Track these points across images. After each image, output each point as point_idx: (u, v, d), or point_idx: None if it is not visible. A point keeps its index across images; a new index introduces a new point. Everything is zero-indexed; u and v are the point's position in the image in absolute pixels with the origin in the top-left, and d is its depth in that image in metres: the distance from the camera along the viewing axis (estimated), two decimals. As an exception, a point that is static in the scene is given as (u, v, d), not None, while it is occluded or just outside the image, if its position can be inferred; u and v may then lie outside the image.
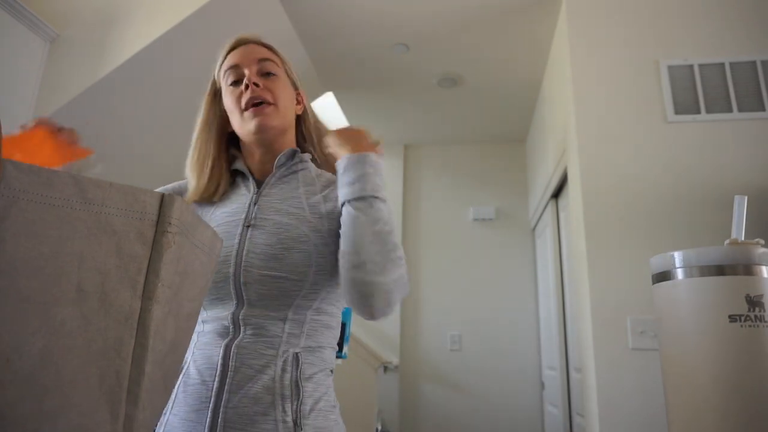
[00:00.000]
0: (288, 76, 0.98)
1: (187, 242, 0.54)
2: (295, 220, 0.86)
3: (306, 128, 1.02)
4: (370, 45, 2.85)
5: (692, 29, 2.18)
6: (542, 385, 3.46)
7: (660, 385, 0.79)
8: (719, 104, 2.06)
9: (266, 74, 0.93)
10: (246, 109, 0.90)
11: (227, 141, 0.99)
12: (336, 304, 0.88)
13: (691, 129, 2.06)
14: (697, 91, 2.09)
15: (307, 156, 0.98)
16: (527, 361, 3.58)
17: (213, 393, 0.77)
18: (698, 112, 2.07)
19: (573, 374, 2.70)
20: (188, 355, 0.84)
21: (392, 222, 0.84)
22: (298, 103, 1.01)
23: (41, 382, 0.43)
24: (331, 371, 0.87)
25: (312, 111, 1.05)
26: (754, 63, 2.08)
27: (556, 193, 2.98)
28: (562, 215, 2.95)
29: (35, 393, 0.42)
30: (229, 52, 0.99)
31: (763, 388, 0.69)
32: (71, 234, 0.45)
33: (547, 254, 3.21)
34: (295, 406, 0.77)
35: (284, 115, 0.94)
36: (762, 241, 0.78)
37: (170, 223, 0.50)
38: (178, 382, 0.83)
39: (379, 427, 3.11)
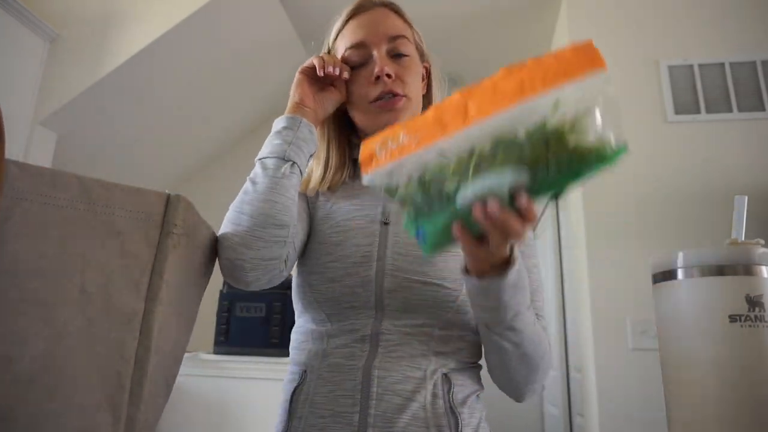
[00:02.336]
0: (417, 48, 0.82)
1: (191, 243, 0.54)
2: None
3: (431, 104, 0.83)
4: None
5: (692, 29, 2.18)
6: (542, 385, 3.46)
7: (660, 385, 0.79)
8: (719, 104, 2.06)
9: (398, 56, 0.77)
10: (374, 101, 0.75)
11: (344, 122, 0.83)
12: None
13: (691, 129, 2.06)
14: (697, 91, 2.09)
15: None
16: (527, 360, 3.58)
17: (355, 428, 0.64)
18: (698, 112, 2.07)
19: (573, 374, 2.70)
20: (303, 376, 0.71)
21: (538, 333, 0.68)
22: (423, 79, 0.84)
23: (43, 383, 0.43)
24: (479, 394, 0.74)
25: (439, 82, 0.87)
26: (754, 63, 2.08)
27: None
28: (562, 215, 2.95)
29: (37, 394, 0.42)
30: (350, 18, 0.80)
31: (763, 388, 0.69)
32: (75, 235, 0.45)
33: (547, 254, 3.21)
34: None
35: (416, 105, 0.78)
36: (762, 241, 0.78)
37: (175, 225, 0.50)
38: (290, 412, 0.70)
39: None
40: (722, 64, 2.10)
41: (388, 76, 0.74)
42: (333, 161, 0.81)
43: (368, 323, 0.69)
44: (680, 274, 0.76)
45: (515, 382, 0.70)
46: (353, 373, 0.67)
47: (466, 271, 0.59)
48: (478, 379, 0.75)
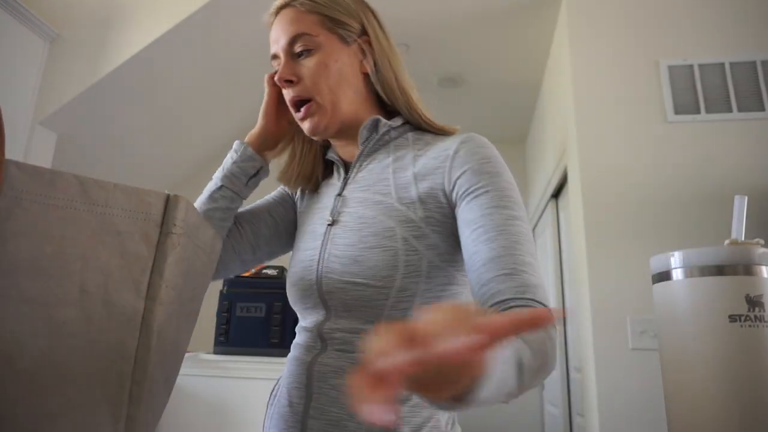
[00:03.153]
0: (333, 32, 0.75)
1: (191, 243, 0.54)
2: (380, 211, 0.70)
3: (384, 83, 0.77)
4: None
5: (692, 29, 2.18)
6: (542, 385, 3.46)
7: (660, 385, 0.79)
8: (719, 104, 2.07)
9: (300, 55, 0.74)
10: (294, 108, 0.76)
11: None
12: None
13: (691, 129, 2.06)
14: (697, 91, 2.09)
15: (397, 120, 0.78)
16: (527, 360, 3.58)
17: (300, 418, 0.68)
18: (698, 112, 2.07)
19: (573, 374, 2.70)
20: (286, 371, 0.75)
21: (539, 341, 0.53)
22: (366, 55, 0.77)
23: (43, 383, 0.43)
24: None
25: (390, 54, 0.79)
26: (754, 63, 2.09)
27: (556, 193, 2.98)
28: (562, 215, 2.95)
29: (37, 393, 0.42)
30: (271, 28, 0.78)
31: (763, 388, 0.69)
32: (74, 234, 0.45)
33: (547, 254, 3.21)
34: None
35: (334, 101, 0.74)
36: (762, 241, 0.78)
37: (175, 225, 0.50)
38: (271, 401, 0.75)
39: (379, 427, 3.11)
40: (722, 64, 2.10)
41: (288, 81, 0.73)
42: (304, 168, 0.84)
43: (318, 322, 0.72)
44: (680, 274, 0.76)
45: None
46: (303, 367, 0.70)
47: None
48: None
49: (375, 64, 0.77)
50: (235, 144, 0.82)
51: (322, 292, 0.70)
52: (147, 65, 2.41)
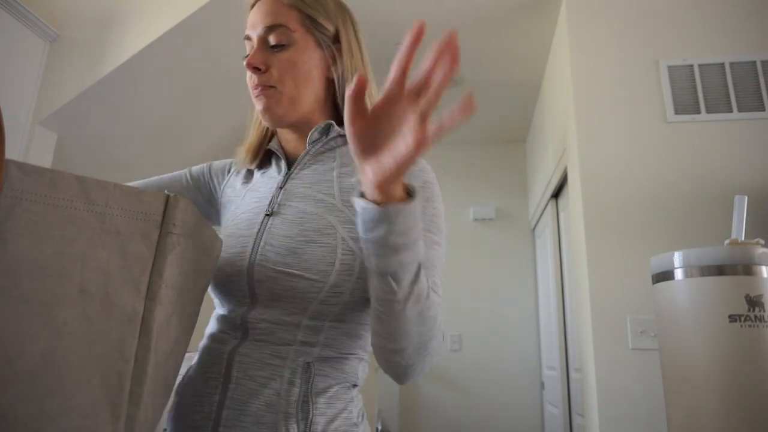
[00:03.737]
0: (310, 32, 0.77)
1: (191, 243, 0.54)
2: (322, 209, 0.72)
3: (345, 93, 0.83)
4: (370, 44, 2.84)
5: (692, 29, 2.19)
6: (542, 385, 3.46)
7: (660, 385, 0.80)
8: (719, 104, 2.07)
9: (275, 47, 0.75)
10: (253, 89, 0.77)
11: None
12: (364, 310, 0.73)
13: (691, 129, 2.06)
14: (697, 91, 2.09)
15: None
16: (527, 361, 3.58)
17: (214, 409, 0.67)
18: (698, 112, 2.07)
19: (573, 374, 2.70)
20: (195, 359, 0.75)
21: (432, 296, 0.64)
22: (335, 62, 0.79)
23: (43, 383, 0.43)
24: (354, 385, 0.73)
25: (358, 67, 0.81)
26: (754, 63, 2.09)
27: (556, 193, 2.99)
28: (562, 215, 2.95)
29: (37, 394, 0.42)
30: (250, 12, 0.80)
31: (763, 388, 0.69)
32: (74, 235, 0.45)
33: (547, 254, 3.21)
34: (302, 427, 0.65)
35: (295, 97, 0.76)
36: (762, 241, 0.78)
37: (174, 224, 0.50)
38: (178, 387, 0.74)
39: (379, 427, 3.11)
40: (722, 64, 2.11)
41: (256, 69, 0.74)
42: (252, 144, 0.85)
43: (240, 311, 0.71)
44: (680, 274, 0.76)
45: (405, 351, 0.64)
46: (220, 357, 0.70)
47: (362, 197, 0.56)
48: (354, 371, 0.73)
49: (342, 74, 0.79)
50: None
51: (252, 280, 0.70)
52: (147, 65, 2.41)
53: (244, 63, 0.75)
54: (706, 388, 0.73)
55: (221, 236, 0.77)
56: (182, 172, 0.91)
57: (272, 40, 0.75)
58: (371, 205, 0.54)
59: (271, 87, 0.75)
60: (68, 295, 0.44)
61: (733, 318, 0.72)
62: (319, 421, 0.66)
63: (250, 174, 0.86)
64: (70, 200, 0.46)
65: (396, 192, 0.54)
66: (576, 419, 2.58)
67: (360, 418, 0.72)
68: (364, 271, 0.69)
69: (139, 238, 0.49)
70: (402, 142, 0.49)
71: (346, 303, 0.70)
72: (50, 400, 0.43)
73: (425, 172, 0.78)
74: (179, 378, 0.76)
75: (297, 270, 0.68)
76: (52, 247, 0.44)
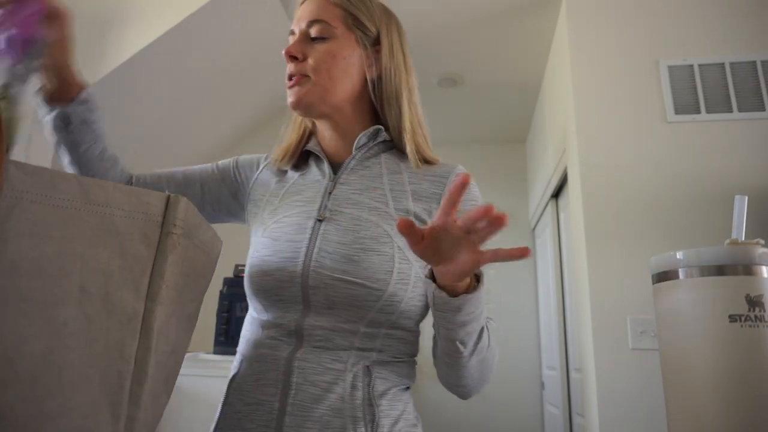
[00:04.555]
0: (351, 31, 0.78)
1: (191, 243, 0.54)
2: (376, 216, 0.72)
3: (382, 95, 0.79)
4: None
5: (692, 29, 2.19)
6: (542, 385, 3.46)
7: (660, 385, 0.80)
8: (719, 104, 2.07)
9: (315, 39, 0.76)
10: (287, 80, 0.77)
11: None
12: (414, 318, 0.74)
13: (691, 129, 2.06)
14: (697, 91, 2.09)
15: (385, 135, 0.81)
16: (527, 361, 3.58)
17: (274, 416, 0.66)
18: (698, 112, 2.07)
19: (573, 374, 2.70)
20: (240, 365, 0.74)
21: (490, 338, 0.70)
22: (372, 64, 0.80)
23: (43, 383, 0.43)
24: (408, 387, 0.75)
25: (401, 72, 0.81)
26: (754, 63, 2.09)
27: (556, 193, 2.99)
28: (562, 215, 2.95)
29: (36, 394, 0.42)
30: (300, 6, 0.81)
31: (763, 388, 0.69)
32: (74, 235, 0.45)
33: (547, 254, 3.21)
34: (369, 430, 0.65)
35: (328, 87, 0.75)
36: (762, 241, 0.78)
37: (175, 225, 0.50)
38: (225, 398, 0.73)
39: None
40: (722, 64, 2.10)
41: (293, 57, 0.75)
42: (291, 145, 0.84)
43: (294, 318, 0.70)
44: (680, 274, 0.76)
45: (468, 386, 0.72)
46: (276, 363, 0.69)
47: (436, 286, 0.60)
48: (408, 374, 0.75)
49: (380, 76, 0.80)
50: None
51: (306, 286, 0.70)
52: (147, 65, 2.41)
53: (283, 53, 0.77)
54: (706, 388, 0.73)
55: (262, 238, 0.77)
56: (209, 164, 0.91)
57: (313, 32, 0.76)
58: (442, 294, 0.60)
59: (305, 76, 0.75)
60: (68, 295, 0.44)
61: (733, 318, 0.72)
62: (385, 424, 0.67)
63: (282, 173, 0.85)
64: (70, 200, 0.46)
65: (464, 281, 0.59)
66: (576, 419, 2.58)
67: (417, 420, 0.74)
68: (419, 279, 0.71)
69: (139, 238, 0.49)
70: (463, 255, 0.54)
71: (401, 311, 0.70)
72: (50, 400, 0.43)
73: (475, 187, 0.81)
74: (227, 383, 0.75)
75: (356, 278, 0.68)
76: (52, 247, 0.44)
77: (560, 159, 2.58)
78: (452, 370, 0.69)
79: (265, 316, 0.74)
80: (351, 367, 0.68)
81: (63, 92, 0.77)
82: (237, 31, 2.59)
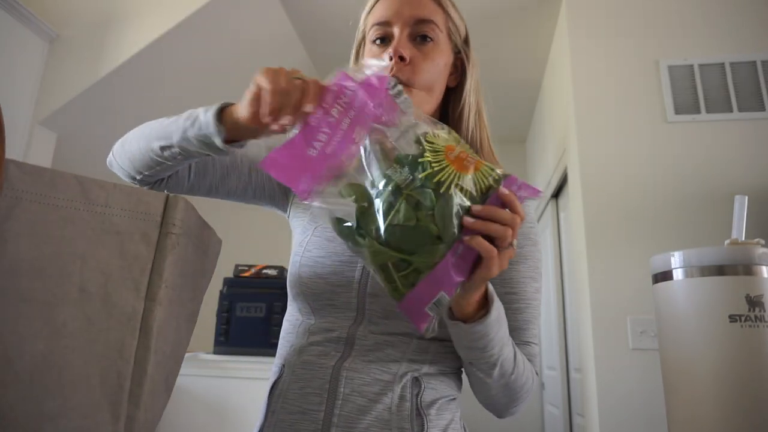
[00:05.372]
0: (450, 36, 0.75)
1: (190, 243, 0.54)
2: None
3: (457, 102, 0.77)
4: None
5: (692, 29, 2.19)
6: (542, 386, 3.46)
7: (660, 385, 0.79)
8: (719, 104, 2.07)
9: (421, 39, 0.71)
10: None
11: None
12: None
13: (691, 129, 2.06)
14: (697, 91, 2.09)
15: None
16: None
17: (319, 427, 0.63)
18: (698, 112, 2.07)
19: (573, 374, 2.70)
20: (281, 371, 0.71)
21: (521, 363, 0.68)
22: (455, 71, 0.77)
23: (42, 383, 0.43)
24: (455, 398, 0.73)
25: (475, 81, 0.80)
26: (754, 63, 2.09)
27: (556, 193, 2.98)
28: (562, 215, 2.95)
29: (36, 394, 0.42)
30: None
31: (763, 388, 0.69)
32: (74, 234, 0.45)
33: (547, 254, 3.21)
34: None
35: (423, 101, 0.72)
36: (762, 241, 0.78)
37: (174, 224, 0.50)
38: (267, 406, 0.70)
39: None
40: (722, 64, 2.10)
41: (401, 59, 0.69)
42: None
43: (346, 325, 0.68)
44: (680, 274, 0.76)
45: (497, 407, 0.73)
46: (323, 371, 0.66)
47: (451, 316, 0.60)
48: (455, 386, 0.73)
49: (456, 86, 0.77)
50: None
51: (364, 294, 0.67)
52: (147, 65, 2.41)
53: (391, 51, 0.69)
54: (707, 388, 0.73)
55: (314, 237, 0.74)
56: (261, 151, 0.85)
57: (422, 31, 0.71)
58: (455, 324, 0.59)
59: (406, 86, 0.70)
60: (68, 294, 0.44)
61: (733, 318, 0.72)
62: None
63: None
64: (69, 200, 0.46)
65: (473, 308, 0.59)
66: (576, 419, 2.58)
67: (464, 430, 0.73)
68: None
69: (139, 238, 0.49)
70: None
71: None
72: (50, 400, 0.43)
73: (530, 207, 0.79)
74: (268, 389, 0.72)
75: None
76: (51, 247, 0.44)
77: (560, 159, 2.58)
78: (477, 389, 0.69)
79: (311, 320, 0.71)
80: (400, 378, 0.66)
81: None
82: (237, 31, 2.59)
